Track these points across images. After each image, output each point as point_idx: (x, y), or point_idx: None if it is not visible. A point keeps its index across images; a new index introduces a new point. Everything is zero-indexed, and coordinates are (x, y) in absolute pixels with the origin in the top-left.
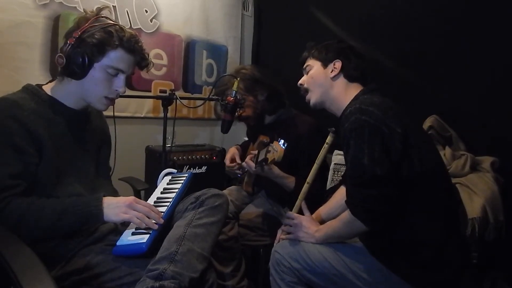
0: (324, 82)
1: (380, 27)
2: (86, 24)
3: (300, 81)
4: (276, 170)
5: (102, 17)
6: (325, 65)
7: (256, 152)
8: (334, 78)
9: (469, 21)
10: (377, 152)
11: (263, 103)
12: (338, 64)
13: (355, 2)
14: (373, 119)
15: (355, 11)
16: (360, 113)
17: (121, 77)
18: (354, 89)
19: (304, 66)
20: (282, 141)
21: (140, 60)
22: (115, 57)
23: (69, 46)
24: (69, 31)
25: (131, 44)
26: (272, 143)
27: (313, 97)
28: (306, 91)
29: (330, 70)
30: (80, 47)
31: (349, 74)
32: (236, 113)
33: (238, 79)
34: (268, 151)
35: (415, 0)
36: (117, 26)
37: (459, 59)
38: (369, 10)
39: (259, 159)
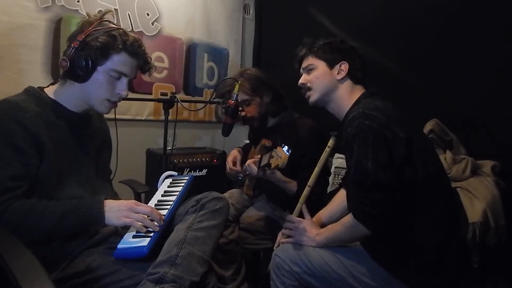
0: (329, 83)
1: (380, 29)
2: (90, 28)
3: (301, 81)
4: (278, 174)
5: (106, 21)
6: (331, 66)
7: (258, 156)
8: (341, 80)
9: (470, 24)
10: (381, 157)
11: (268, 104)
12: (345, 66)
13: (356, 5)
14: (377, 123)
15: (356, 15)
16: (364, 117)
17: (124, 81)
18: (357, 92)
19: (305, 65)
20: (286, 147)
21: (143, 64)
22: (118, 61)
23: (73, 50)
24: (72, 35)
25: (135, 48)
26: (275, 147)
27: (314, 96)
28: (308, 89)
29: (337, 72)
30: (84, 50)
31: (355, 76)
32: (241, 114)
33: (240, 82)
34: (271, 157)
35: (416, 2)
36: (121, 30)
37: (460, 62)
38: (369, 13)
39: (262, 164)
